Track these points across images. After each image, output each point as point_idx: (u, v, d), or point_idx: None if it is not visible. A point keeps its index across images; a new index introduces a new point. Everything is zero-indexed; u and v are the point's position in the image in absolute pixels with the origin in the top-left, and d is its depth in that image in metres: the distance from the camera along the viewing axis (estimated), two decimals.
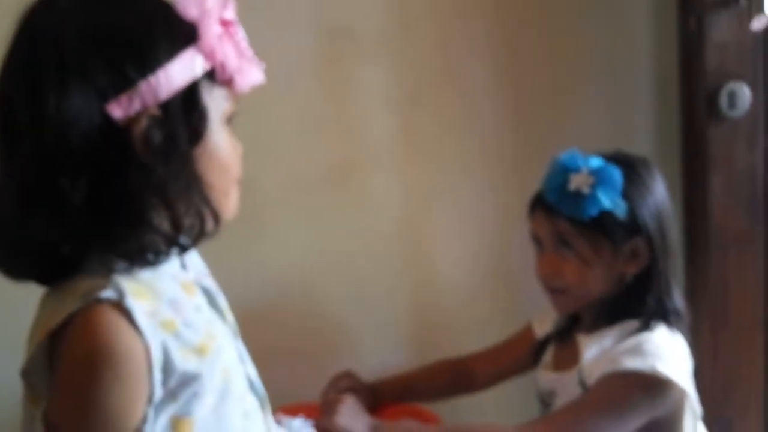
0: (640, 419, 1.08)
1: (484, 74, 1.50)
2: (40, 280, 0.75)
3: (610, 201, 1.10)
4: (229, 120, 0.77)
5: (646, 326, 1.11)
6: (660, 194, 1.16)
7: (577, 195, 1.10)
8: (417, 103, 1.49)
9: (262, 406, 0.85)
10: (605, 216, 1.10)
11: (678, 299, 1.16)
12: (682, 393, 1.09)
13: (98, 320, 0.68)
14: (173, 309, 0.73)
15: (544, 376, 1.23)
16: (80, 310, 0.69)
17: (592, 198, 1.09)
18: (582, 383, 1.13)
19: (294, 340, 1.49)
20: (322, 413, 1.17)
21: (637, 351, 1.08)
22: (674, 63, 1.54)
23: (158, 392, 0.70)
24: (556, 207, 1.13)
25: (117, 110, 0.68)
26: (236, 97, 0.77)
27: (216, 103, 0.74)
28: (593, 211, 1.10)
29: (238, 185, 0.80)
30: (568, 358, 1.18)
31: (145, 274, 0.73)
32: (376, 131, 1.48)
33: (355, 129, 1.48)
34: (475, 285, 1.53)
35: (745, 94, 1.45)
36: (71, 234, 0.69)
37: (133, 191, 0.69)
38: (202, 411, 0.74)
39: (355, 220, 1.49)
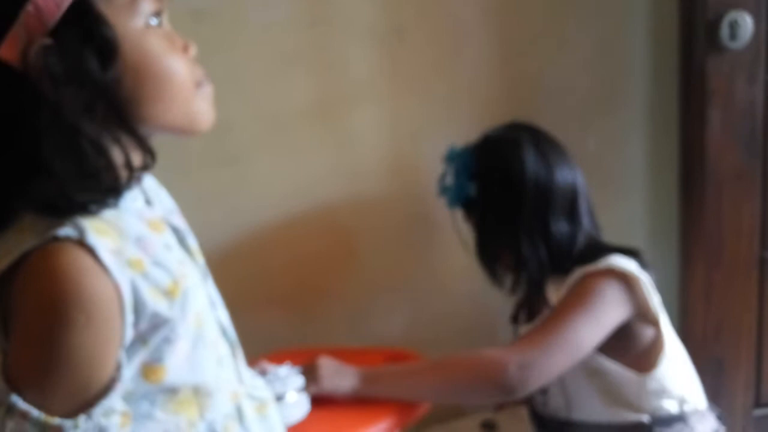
0: (613, 313, 1.12)
1: (472, 6, 1.43)
2: None
3: (463, 192, 1.23)
4: (157, 15, 0.69)
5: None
6: (516, 163, 1.20)
7: (445, 187, 1.26)
8: (402, 36, 1.41)
9: (234, 353, 0.80)
10: (472, 199, 1.23)
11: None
12: (641, 285, 1.13)
13: (60, 259, 0.62)
14: (140, 247, 0.67)
15: (525, 330, 1.24)
16: (36, 249, 0.62)
17: (450, 189, 1.25)
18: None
19: (277, 286, 1.44)
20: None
21: (592, 264, 1.15)
22: None
23: (129, 334, 0.65)
24: (446, 200, 1.27)
25: (7, 52, 0.62)
26: None
27: (122, 9, 0.66)
28: (457, 200, 1.24)
29: (201, 89, 0.71)
30: (540, 305, 1.22)
31: (107, 213, 0.66)
32: (359, 66, 1.41)
33: (337, 63, 1.40)
34: (461, 225, 1.46)
35: (747, 23, 1.39)
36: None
37: (45, 131, 0.63)
38: (175, 357, 0.69)
39: (338, 160, 1.43)
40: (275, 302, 1.44)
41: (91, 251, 0.63)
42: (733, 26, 1.39)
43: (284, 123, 1.39)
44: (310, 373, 1.10)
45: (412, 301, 1.51)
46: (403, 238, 1.50)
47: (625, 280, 1.13)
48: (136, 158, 0.68)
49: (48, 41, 0.62)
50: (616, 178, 1.54)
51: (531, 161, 1.19)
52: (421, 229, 1.50)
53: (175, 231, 0.76)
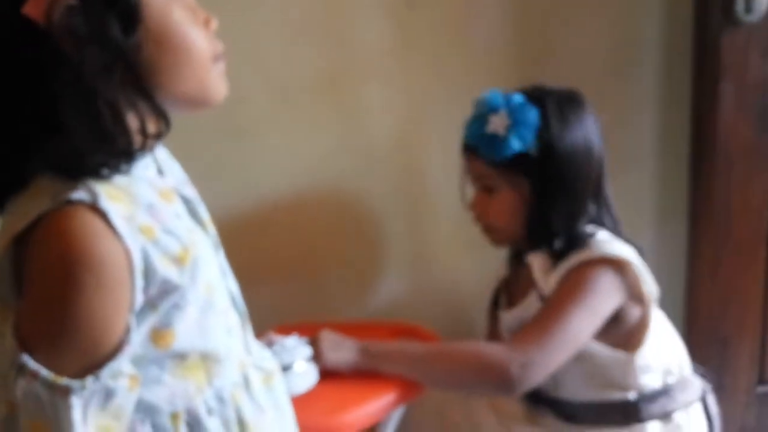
0: (609, 301, 1.11)
1: None
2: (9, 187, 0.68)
3: (522, 143, 1.12)
4: None
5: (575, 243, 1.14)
6: (582, 131, 1.15)
7: (494, 137, 1.13)
8: (413, 8, 1.38)
9: (243, 323, 0.80)
10: (520, 156, 1.13)
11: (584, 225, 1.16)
12: (635, 270, 1.12)
13: (72, 222, 0.62)
14: (151, 215, 0.67)
15: (507, 315, 1.23)
16: (50, 212, 0.63)
17: (506, 141, 1.12)
18: (542, 298, 1.14)
19: (285, 259, 1.44)
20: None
21: (585, 249, 1.12)
22: None
23: (139, 299, 0.65)
24: (474, 150, 1.16)
25: (32, 9, 0.61)
26: None
27: None
28: (507, 153, 1.13)
29: (217, 63, 0.72)
30: (522, 288, 1.20)
31: (119, 179, 0.67)
32: (369, 38, 1.38)
33: (347, 36, 1.37)
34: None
35: None
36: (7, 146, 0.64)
37: (66, 91, 0.62)
38: (184, 323, 0.69)
39: (347, 133, 1.41)
40: (282, 275, 1.44)
41: (103, 215, 0.63)
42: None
43: (294, 96, 1.38)
44: (311, 346, 1.10)
45: (417, 276, 1.51)
46: (409, 213, 1.49)
47: (618, 266, 1.11)
48: (151, 125, 0.68)
49: (73, 1, 0.62)
50: (627, 151, 1.52)
51: (594, 129, 1.16)
52: (428, 203, 1.49)
53: (186, 201, 0.76)
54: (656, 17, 1.49)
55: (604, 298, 1.11)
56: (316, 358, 1.10)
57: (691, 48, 1.48)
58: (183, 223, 0.72)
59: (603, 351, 1.13)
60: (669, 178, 1.57)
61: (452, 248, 1.50)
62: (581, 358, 1.12)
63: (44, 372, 0.62)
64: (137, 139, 0.67)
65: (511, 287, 1.27)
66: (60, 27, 0.62)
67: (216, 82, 0.72)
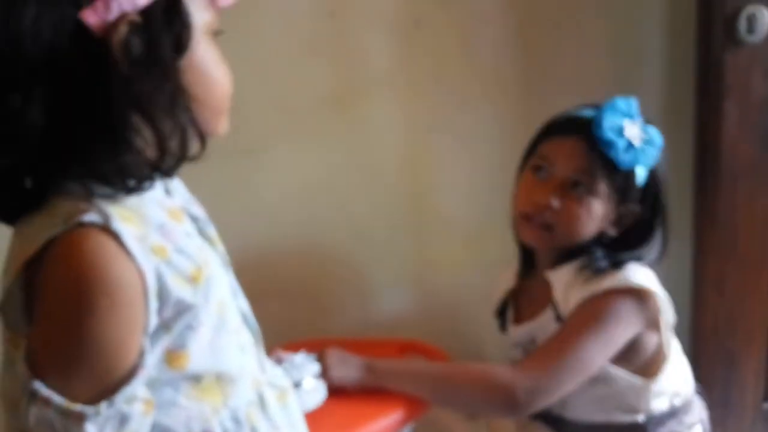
0: (625, 333, 1.08)
1: None
2: (5, 216, 0.68)
3: (649, 163, 1.09)
4: (214, 34, 0.71)
5: (615, 266, 1.11)
6: (664, 170, 1.14)
7: (629, 144, 1.07)
8: (420, 26, 1.39)
9: (256, 341, 0.79)
10: (631, 174, 1.09)
11: (647, 251, 1.15)
12: (658, 300, 1.09)
13: (85, 245, 0.61)
14: (162, 235, 0.67)
15: (517, 330, 1.20)
16: (61, 235, 0.62)
17: (641, 152, 1.07)
18: (558, 318, 1.12)
19: (292, 277, 1.43)
20: None
21: (615, 275, 1.09)
22: None
23: (153, 321, 0.64)
24: (604, 145, 1.07)
25: (92, 17, 0.61)
26: (217, 10, 0.70)
27: (198, 12, 0.68)
28: (634, 164, 1.08)
29: (228, 103, 0.73)
30: (535, 304, 1.17)
31: (129, 200, 0.66)
32: (377, 56, 1.39)
33: (355, 53, 1.38)
34: (477, 219, 1.47)
35: (765, 17, 1.36)
36: (36, 158, 0.63)
37: (111, 105, 0.62)
38: (198, 344, 0.68)
39: (354, 151, 1.41)
40: (288, 293, 1.43)
41: (116, 237, 0.62)
42: (751, 20, 1.36)
43: (301, 113, 1.38)
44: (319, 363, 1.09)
45: (424, 293, 1.50)
46: (416, 230, 1.48)
47: (641, 296, 1.08)
48: (193, 146, 0.68)
49: (138, 19, 0.62)
50: None
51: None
52: (434, 221, 1.49)
53: (195, 220, 0.76)
54: (659, 37, 1.50)
55: (621, 330, 1.08)
56: (323, 374, 1.09)
57: (694, 67, 1.48)
58: (194, 242, 0.71)
59: (622, 376, 1.11)
60: (674, 195, 1.55)
61: (458, 265, 1.49)
62: (598, 381, 1.10)
63: (57, 398, 0.61)
64: (176, 157, 0.67)
65: (520, 300, 1.24)
66: (117, 41, 0.62)
67: (223, 122, 0.73)
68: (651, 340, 1.12)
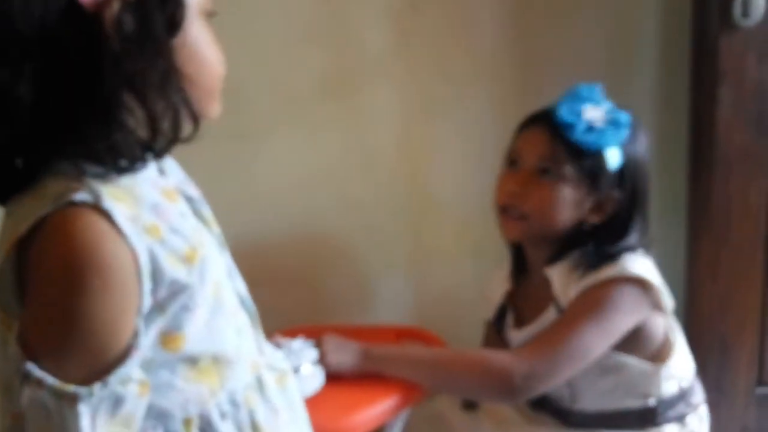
0: (625, 321, 1.07)
1: None
2: (6, 189, 0.66)
3: (614, 143, 1.08)
4: (209, 15, 0.70)
5: (609, 258, 1.10)
6: (646, 157, 1.14)
7: (589, 126, 1.08)
8: (416, 11, 1.38)
9: (253, 323, 0.78)
10: (600, 158, 1.09)
11: (633, 238, 1.13)
12: (656, 290, 1.09)
13: (75, 224, 0.60)
14: (156, 214, 0.65)
15: (520, 335, 1.19)
16: (52, 214, 0.61)
17: (602, 133, 1.08)
18: (561, 312, 1.11)
19: (289, 263, 1.43)
20: None
21: (612, 266, 1.09)
22: None
23: (147, 302, 0.63)
24: (564, 129, 1.09)
25: None
26: None
27: None
28: (597, 145, 1.08)
29: (221, 84, 0.73)
30: (536, 306, 1.16)
31: (123, 180, 0.65)
32: (373, 41, 1.38)
33: (351, 39, 1.37)
34: (474, 205, 1.44)
35: (759, 1, 1.35)
36: (27, 136, 0.62)
37: (103, 83, 0.61)
38: (194, 326, 0.67)
39: (350, 136, 1.41)
40: (285, 279, 1.42)
41: (107, 216, 0.61)
42: (746, 4, 1.35)
43: (298, 98, 1.37)
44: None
45: (421, 280, 1.50)
46: (413, 216, 1.48)
47: (640, 283, 1.08)
48: (186, 126, 0.67)
49: None
50: None
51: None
52: (431, 207, 1.48)
53: (189, 200, 0.75)
54: (654, 21, 1.49)
55: (620, 317, 1.07)
56: (320, 360, 1.09)
57: (688, 52, 1.48)
58: (188, 222, 0.70)
59: (633, 363, 1.11)
60: (668, 181, 1.57)
61: (455, 252, 1.49)
62: (610, 370, 1.10)
63: (50, 379, 0.60)
64: (169, 138, 0.66)
65: (520, 303, 1.22)
66: (109, 18, 0.61)
67: (215, 104, 0.73)
68: (658, 327, 1.12)
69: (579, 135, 1.08)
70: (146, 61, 0.63)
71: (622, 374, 1.12)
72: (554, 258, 1.14)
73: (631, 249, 1.12)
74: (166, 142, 0.67)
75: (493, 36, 1.43)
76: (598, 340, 1.06)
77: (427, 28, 1.40)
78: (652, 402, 1.13)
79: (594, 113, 1.09)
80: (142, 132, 0.65)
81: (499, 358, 1.08)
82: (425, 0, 1.39)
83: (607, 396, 1.14)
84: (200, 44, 0.68)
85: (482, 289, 1.32)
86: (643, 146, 1.14)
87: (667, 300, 1.12)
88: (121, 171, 0.64)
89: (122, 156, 0.64)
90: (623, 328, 1.08)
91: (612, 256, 1.10)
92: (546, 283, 1.14)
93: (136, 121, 0.64)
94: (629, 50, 1.50)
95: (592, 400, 1.14)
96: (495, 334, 1.25)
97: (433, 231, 1.49)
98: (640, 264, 1.10)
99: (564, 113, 1.09)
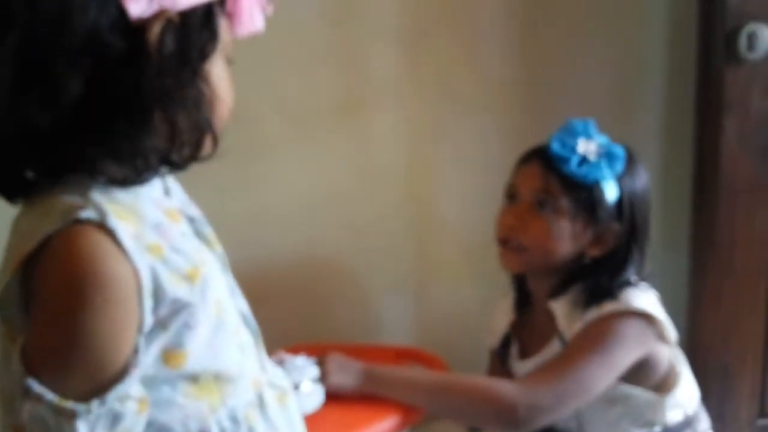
0: (630, 355, 1.07)
1: (494, 8, 1.42)
2: (16, 189, 0.68)
3: (609, 176, 1.10)
4: (228, 61, 0.73)
5: (612, 292, 1.11)
6: (646, 190, 1.15)
7: (583, 159, 1.10)
8: (425, 36, 1.40)
9: (256, 341, 0.79)
10: (596, 190, 1.10)
11: (632, 275, 1.14)
12: (660, 324, 1.09)
13: (80, 242, 0.62)
14: (158, 233, 0.67)
15: (524, 366, 1.19)
16: (58, 232, 0.62)
17: (596, 166, 1.09)
18: (565, 345, 1.11)
19: (293, 282, 1.43)
20: None
21: (614, 300, 1.09)
22: (692, 0, 1.45)
23: (148, 320, 0.64)
24: (558, 162, 1.11)
25: (134, 7, 0.63)
26: (234, 37, 0.72)
27: (223, 31, 0.70)
28: (591, 178, 1.10)
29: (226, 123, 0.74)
30: (540, 337, 1.17)
31: (125, 198, 0.66)
32: (381, 65, 1.40)
33: (360, 62, 1.39)
34: (478, 228, 1.43)
35: (765, 35, 1.36)
36: (65, 126, 0.63)
37: (139, 92, 0.64)
38: (195, 343, 0.68)
39: (356, 158, 1.42)
40: (289, 297, 1.43)
41: (111, 234, 0.62)
42: (752, 38, 1.37)
43: (306, 119, 1.39)
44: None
45: (423, 300, 1.50)
46: (417, 238, 1.49)
47: (644, 317, 1.09)
48: (207, 146, 0.69)
49: (176, 18, 0.64)
50: None
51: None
52: (435, 229, 1.49)
53: (191, 221, 0.76)
54: (660, 53, 1.50)
55: (624, 350, 1.07)
56: (321, 379, 1.09)
57: (694, 84, 1.49)
58: (190, 242, 0.71)
59: (639, 394, 1.11)
60: (672, 211, 1.57)
61: (460, 274, 1.49)
62: (615, 401, 1.11)
63: (49, 395, 0.61)
64: (188, 155, 0.69)
65: (524, 335, 1.23)
66: (152, 34, 0.64)
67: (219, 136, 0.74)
68: (663, 357, 1.12)
69: (573, 168, 1.10)
70: (180, 81, 0.66)
71: (629, 404, 1.12)
72: (557, 290, 1.14)
73: (633, 282, 1.12)
74: (185, 159, 0.69)
75: (501, 63, 1.45)
76: (603, 373, 1.06)
77: (436, 53, 1.42)
78: (657, 430, 1.13)
79: (587, 147, 1.11)
80: (162, 145, 0.67)
81: (503, 387, 1.08)
82: (435, 26, 1.41)
83: (613, 426, 1.13)
84: (219, 82, 0.70)
85: (486, 312, 1.32)
86: (641, 179, 1.15)
87: (671, 332, 1.12)
88: (132, 179, 0.66)
89: (143, 160, 0.66)
90: (627, 361, 1.08)
91: (615, 291, 1.11)
92: (549, 315, 1.14)
93: (159, 135, 0.66)
94: (636, 81, 1.52)
95: (600, 430, 1.14)
96: (499, 364, 1.25)
97: (438, 253, 1.50)
98: (643, 298, 1.11)
99: (558, 147, 1.12)
